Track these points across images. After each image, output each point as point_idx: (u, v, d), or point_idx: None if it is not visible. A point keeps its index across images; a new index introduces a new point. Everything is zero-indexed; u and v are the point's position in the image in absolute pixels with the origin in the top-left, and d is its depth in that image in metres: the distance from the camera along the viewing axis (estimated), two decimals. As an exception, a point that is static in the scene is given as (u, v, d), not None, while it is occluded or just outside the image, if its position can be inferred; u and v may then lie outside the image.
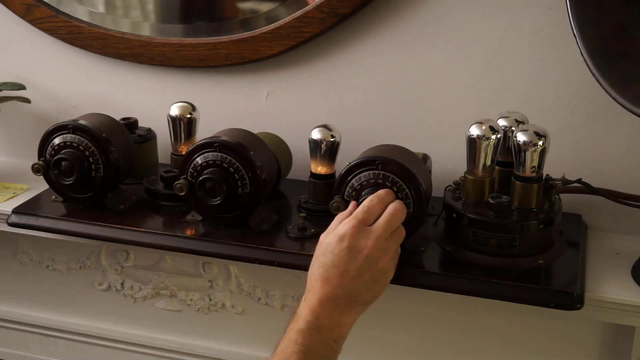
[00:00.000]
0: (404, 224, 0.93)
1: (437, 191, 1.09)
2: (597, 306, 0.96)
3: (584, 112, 1.10)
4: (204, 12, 1.29)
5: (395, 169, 0.97)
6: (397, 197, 0.97)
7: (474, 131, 0.99)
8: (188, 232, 1.09)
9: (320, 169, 1.12)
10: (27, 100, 1.33)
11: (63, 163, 1.10)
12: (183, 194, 1.06)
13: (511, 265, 0.98)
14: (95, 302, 1.35)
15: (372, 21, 1.15)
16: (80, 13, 1.30)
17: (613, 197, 1.07)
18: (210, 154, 1.04)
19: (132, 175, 1.19)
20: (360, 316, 1.17)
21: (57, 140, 1.11)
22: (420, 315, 1.17)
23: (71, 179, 1.11)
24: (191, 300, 1.28)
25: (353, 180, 0.99)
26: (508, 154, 1.03)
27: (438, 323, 1.17)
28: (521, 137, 0.98)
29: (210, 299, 1.27)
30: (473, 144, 1.00)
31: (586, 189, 1.06)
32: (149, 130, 1.25)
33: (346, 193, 1.00)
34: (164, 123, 1.19)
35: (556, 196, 1.02)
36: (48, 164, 1.12)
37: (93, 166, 1.11)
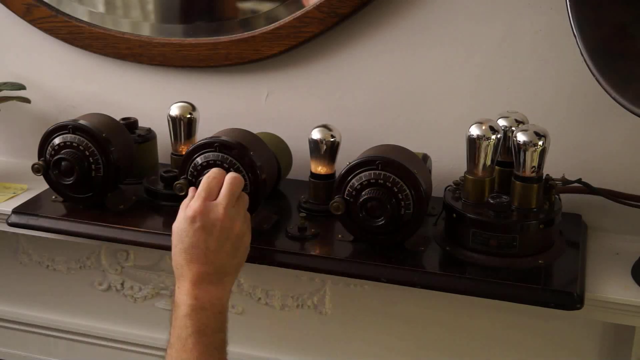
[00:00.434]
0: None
1: (437, 191, 1.09)
2: (597, 306, 0.96)
3: (584, 112, 1.10)
4: (204, 12, 1.29)
5: (395, 169, 0.97)
6: (397, 197, 0.97)
7: (474, 131, 0.99)
8: (188, 232, 1.09)
9: (320, 169, 1.12)
10: (27, 100, 1.33)
11: (63, 163, 1.10)
12: (183, 194, 1.06)
13: (511, 265, 0.98)
14: (95, 302, 1.35)
15: (372, 21, 1.15)
16: (80, 13, 1.30)
17: (613, 197, 1.07)
18: (210, 154, 1.04)
19: (132, 175, 1.19)
20: (360, 316, 1.18)
21: (57, 140, 1.11)
22: (420, 315, 1.17)
23: (71, 179, 1.11)
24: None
25: (353, 180, 0.99)
26: (508, 154, 1.03)
27: (438, 323, 1.17)
28: (521, 137, 0.98)
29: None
30: (473, 144, 1.00)
31: (586, 189, 1.06)
32: (149, 130, 1.25)
33: (346, 193, 1.00)
34: (164, 123, 1.19)
35: (556, 196, 1.02)
36: (48, 164, 1.12)
37: (93, 166, 1.11)
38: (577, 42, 0.91)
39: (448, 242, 1.03)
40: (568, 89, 1.10)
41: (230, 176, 0.96)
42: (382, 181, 0.97)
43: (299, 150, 1.20)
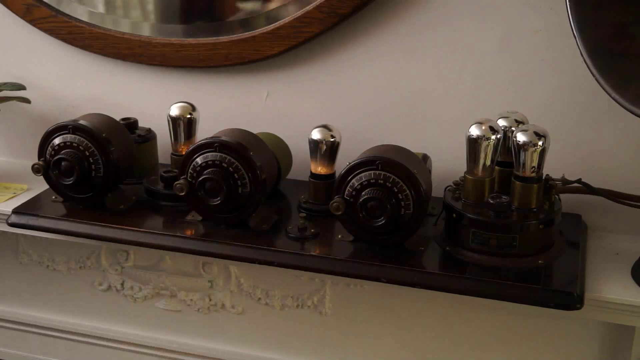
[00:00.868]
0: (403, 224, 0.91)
1: (437, 191, 1.09)
2: (597, 306, 0.96)
3: (584, 112, 1.10)
4: (204, 12, 1.29)
5: (395, 169, 0.97)
6: (397, 197, 0.97)
7: (474, 131, 0.99)
8: (188, 232, 1.09)
9: (320, 169, 1.12)
10: (27, 100, 1.33)
11: (63, 163, 1.10)
12: (183, 194, 1.06)
13: (511, 265, 0.98)
14: (95, 302, 1.35)
15: (372, 21, 1.15)
16: (80, 13, 1.30)
17: (613, 197, 1.07)
18: (210, 154, 1.04)
19: (132, 175, 1.19)
20: (360, 316, 1.18)
21: (57, 141, 1.11)
22: (420, 315, 1.17)
23: (71, 179, 1.11)
24: (191, 300, 1.28)
25: (353, 180, 0.99)
26: (508, 154, 1.03)
27: (438, 323, 1.17)
28: (521, 137, 0.98)
29: (210, 299, 1.27)
30: (473, 144, 1.00)
31: (586, 189, 1.06)
32: (149, 130, 1.25)
33: (346, 193, 1.00)
34: (164, 123, 1.19)
35: (556, 196, 1.02)
36: (48, 164, 1.12)
37: (93, 166, 1.11)
38: (577, 42, 0.91)
39: (448, 242, 1.03)
40: (568, 89, 1.10)
41: None
42: (382, 181, 0.97)
43: (299, 150, 1.20)
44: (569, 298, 0.93)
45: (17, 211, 1.17)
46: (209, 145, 1.04)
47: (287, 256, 1.03)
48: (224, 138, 1.04)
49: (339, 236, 1.05)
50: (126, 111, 1.27)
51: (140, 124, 1.26)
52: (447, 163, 1.16)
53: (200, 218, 1.11)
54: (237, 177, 1.04)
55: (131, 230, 1.10)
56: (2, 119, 1.37)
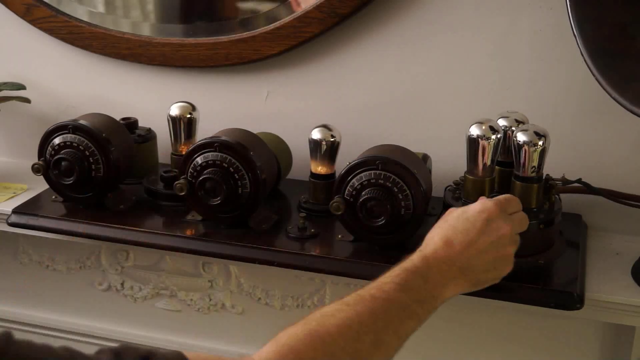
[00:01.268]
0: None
1: (437, 191, 1.09)
2: (597, 306, 0.96)
3: (584, 112, 1.10)
4: (204, 12, 1.29)
5: (395, 169, 0.97)
6: (397, 197, 0.97)
7: (474, 131, 0.99)
8: (188, 232, 1.09)
9: (320, 169, 1.12)
10: (27, 100, 1.33)
11: (63, 163, 1.10)
12: (183, 194, 1.06)
13: (511, 265, 0.98)
14: (95, 302, 1.35)
15: (372, 21, 1.15)
16: (80, 13, 1.30)
17: (613, 197, 1.07)
18: (210, 154, 1.04)
19: (132, 175, 1.19)
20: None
21: (57, 140, 1.11)
22: (420, 315, 1.17)
23: (71, 179, 1.11)
24: (191, 300, 1.28)
25: (353, 180, 0.99)
26: (508, 154, 1.03)
27: (438, 323, 1.17)
28: (521, 137, 0.98)
29: (210, 299, 1.27)
30: (473, 144, 1.00)
31: (586, 189, 1.06)
32: (149, 130, 1.25)
33: (346, 193, 1.00)
34: (164, 123, 1.19)
35: (556, 196, 1.02)
36: (48, 164, 1.12)
37: (93, 166, 1.11)
38: (577, 42, 0.91)
39: (448, 242, 1.03)
40: (568, 89, 1.10)
41: (523, 213, 0.93)
42: (382, 181, 0.97)
43: (299, 150, 1.19)
44: (569, 298, 0.93)
45: (17, 211, 1.17)
46: (209, 145, 1.04)
47: (287, 256, 1.03)
48: (224, 138, 1.04)
49: (339, 236, 1.05)
50: (126, 111, 1.27)
51: (140, 124, 1.26)
52: (447, 163, 1.16)
53: (200, 218, 1.11)
54: (237, 177, 1.04)
55: (131, 230, 1.10)
56: (2, 119, 1.37)
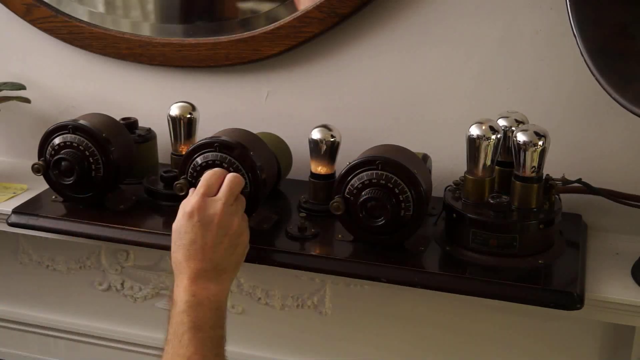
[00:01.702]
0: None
1: (437, 191, 1.09)
2: (597, 306, 0.96)
3: (584, 112, 1.10)
4: (204, 12, 1.29)
5: (395, 169, 0.97)
6: (397, 197, 0.97)
7: (474, 131, 0.99)
8: (188, 232, 1.09)
9: (320, 169, 1.12)
10: (27, 100, 1.33)
11: (63, 163, 1.10)
12: (183, 194, 1.06)
13: (511, 265, 0.98)
14: (95, 302, 1.35)
15: (372, 21, 1.15)
16: (80, 13, 1.30)
17: (613, 197, 1.07)
18: (210, 154, 1.04)
19: (132, 175, 1.19)
20: (360, 316, 1.18)
21: (57, 140, 1.11)
22: (420, 315, 1.17)
23: (71, 179, 1.11)
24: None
25: (353, 180, 0.99)
26: (508, 154, 1.03)
27: (438, 323, 1.17)
28: (521, 137, 0.98)
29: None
30: (473, 144, 1.00)
31: (586, 189, 1.06)
32: (149, 130, 1.25)
33: (346, 193, 1.00)
34: (164, 123, 1.19)
35: (556, 196, 1.02)
36: (48, 164, 1.12)
37: (93, 166, 1.11)
38: (577, 42, 0.91)
39: (448, 242, 1.03)
40: (568, 89, 1.10)
41: (230, 175, 0.97)
42: (382, 181, 0.97)
43: (299, 150, 1.20)
44: (569, 298, 0.93)
45: (17, 211, 1.17)
46: (209, 145, 1.04)
47: (287, 256, 1.03)
48: (224, 138, 1.04)
49: (339, 236, 1.05)
50: (126, 111, 1.27)
51: (140, 124, 1.26)
52: (447, 163, 1.16)
53: (200, 218, 1.11)
54: (237, 177, 1.04)
55: (131, 230, 1.10)
56: (2, 119, 1.37)
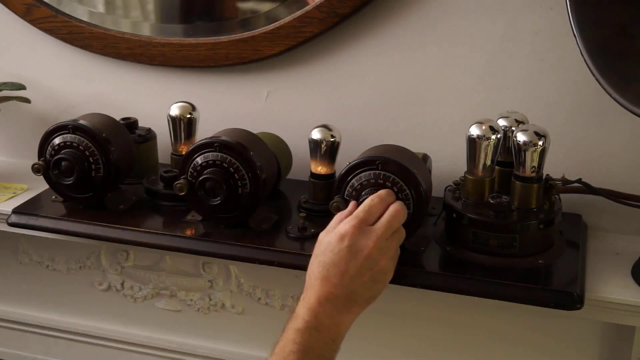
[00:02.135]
0: (404, 224, 0.94)
1: (437, 191, 1.09)
2: (597, 306, 0.96)
3: (584, 112, 1.10)
4: (204, 12, 1.29)
5: (395, 169, 0.97)
6: (397, 197, 0.97)
7: (474, 131, 0.99)
8: (188, 232, 1.09)
9: (320, 169, 1.12)
10: (27, 100, 1.33)
11: (63, 163, 1.10)
12: (183, 194, 1.06)
13: (511, 265, 0.98)
14: (95, 302, 1.35)
15: (372, 21, 1.15)
16: (80, 13, 1.30)
17: (613, 197, 1.07)
18: (210, 154, 1.04)
19: (132, 175, 1.19)
20: (360, 316, 1.17)
21: (57, 140, 1.11)
22: (420, 316, 1.17)
23: (71, 179, 1.11)
24: (191, 300, 1.28)
25: (353, 180, 0.99)
26: (508, 154, 1.03)
27: (438, 323, 1.17)
28: (521, 137, 0.98)
29: (210, 299, 1.27)
30: (473, 144, 1.00)
31: (586, 189, 1.06)
32: (149, 130, 1.25)
33: (346, 193, 1.00)
34: (164, 123, 1.19)
35: (556, 196, 1.02)
36: (48, 164, 1.12)
37: (93, 166, 1.11)
38: (577, 42, 0.91)
39: (448, 242, 1.03)
40: (568, 89, 1.10)
41: (394, 207, 0.92)
42: (382, 181, 0.97)
43: (299, 150, 1.20)
44: (569, 298, 0.93)
45: (17, 211, 1.17)
46: (209, 145, 1.04)
47: (287, 256, 1.03)
48: (224, 138, 1.04)
49: (339, 236, 1.05)
50: (126, 111, 1.27)
51: (140, 124, 1.26)
52: (447, 163, 1.16)
53: (200, 218, 1.11)
54: (237, 177, 1.04)
55: (131, 230, 1.10)
56: (2, 119, 1.37)
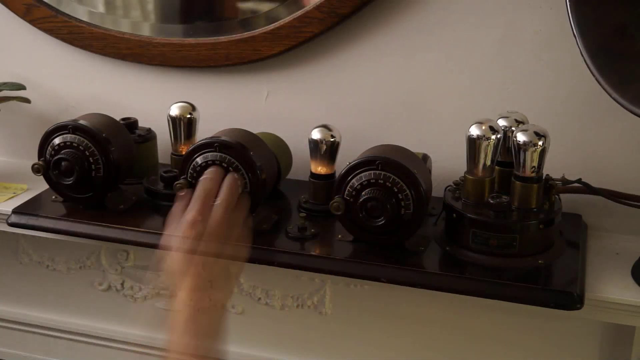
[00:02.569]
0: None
1: (437, 191, 1.09)
2: (597, 306, 0.96)
3: (584, 112, 1.10)
4: (204, 12, 1.29)
5: (395, 169, 0.97)
6: (397, 197, 0.97)
7: (474, 131, 0.99)
8: (188, 232, 1.09)
9: (320, 169, 1.12)
10: (27, 100, 1.33)
11: (63, 163, 1.10)
12: (183, 194, 1.06)
13: (511, 265, 0.98)
14: (95, 302, 1.35)
15: (372, 21, 1.15)
16: (80, 13, 1.30)
17: (613, 197, 1.07)
18: (210, 154, 1.04)
19: (132, 175, 1.19)
20: (360, 316, 1.18)
21: (57, 140, 1.11)
22: (420, 315, 1.17)
23: (71, 179, 1.11)
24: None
25: (353, 180, 0.99)
26: (508, 154, 1.03)
27: (438, 323, 1.17)
28: (521, 137, 0.98)
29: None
30: (473, 144, 1.00)
31: (586, 189, 1.06)
32: (149, 130, 1.25)
33: (346, 193, 1.00)
34: (164, 123, 1.19)
35: (556, 196, 1.02)
36: (48, 164, 1.12)
37: (93, 166, 1.11)
38: (577, 42, 0.91)
39: (448, 242, 1.03)
40: (568, 89, 1.10)
41: (227, 182, 0.96)
42: (382, 181, 0.97)
43: (299, 150, 1.20)
44: (569, 298, 0.93)
45: (17, 211, 1.17)
46: (209, 145, 1.04)
47: (287, 256, 1.03)
48: (224, 138, 1.04)
49: (339, 236, 1.05)
50: (126, 111, 1.27)
51: (140, 124, 1.26)
52: (447, 163, 1.16)
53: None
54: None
55: (131, 230, 1.10)
56: (2, 119, 1.37)
